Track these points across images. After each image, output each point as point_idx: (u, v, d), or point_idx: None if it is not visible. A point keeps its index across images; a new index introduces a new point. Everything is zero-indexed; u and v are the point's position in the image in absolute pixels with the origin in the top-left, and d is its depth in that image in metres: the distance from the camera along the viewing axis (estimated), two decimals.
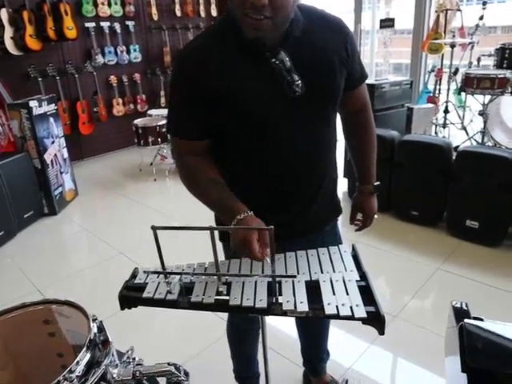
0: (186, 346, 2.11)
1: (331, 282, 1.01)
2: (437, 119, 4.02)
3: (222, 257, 1.33)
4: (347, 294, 0.97)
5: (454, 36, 3.88)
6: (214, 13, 6.14)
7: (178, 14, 5.69)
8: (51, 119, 3.74)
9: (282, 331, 2.14)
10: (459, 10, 4.36)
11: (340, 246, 1.19)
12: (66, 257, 3.15)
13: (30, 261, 3.03)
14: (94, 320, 0.91)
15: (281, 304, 0.95)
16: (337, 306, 0.93)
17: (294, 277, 0.98)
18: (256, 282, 1.01)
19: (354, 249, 1.18)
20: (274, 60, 1.04)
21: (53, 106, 3.78)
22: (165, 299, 1.00)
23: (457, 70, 3.99)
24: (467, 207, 2.91)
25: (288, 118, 1.09)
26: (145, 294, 1.03)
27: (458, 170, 2.92)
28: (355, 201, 1.42)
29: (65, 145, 4.00)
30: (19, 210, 3.43)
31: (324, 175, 1.23)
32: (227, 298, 0.99)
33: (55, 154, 3.79)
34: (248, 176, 1.18)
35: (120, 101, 5.41)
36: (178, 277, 1.04)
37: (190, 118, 1.10)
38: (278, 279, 0.99)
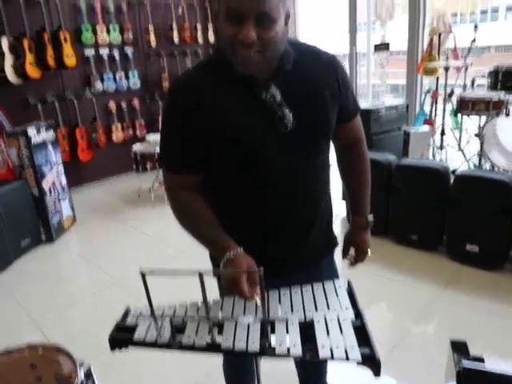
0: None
1: (326, 321, 0.99)
2: (434, 141, 4.03)
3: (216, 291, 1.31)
4: (342, 333, 0.95)
5: (447, 59, 3.92)
6: (211, 39, 6.24)
7: (176, 40, 5.78)
8: (50, 146, 3.76)
9: (279, 369, 2.09)
10: (452, 32, 4.43)
11: (335, 281, 1.17)
12: (63, 285, 3.11)
13: (25, 289, 3.00)
14: (81, 365, 0.88)
15: (274, 348, 0.92)
16: (331, 349, 0.90)
17: (287, 320, 0.95)
18: (249, 323, 0.99)
19: (349, 284, 1.16)
20: (264, 94, 1.04)
21: (51, 133, 3.80)
22: (156, 342, 0.98)
23: (452, 92, 4.02)
24: (466, 231, 2.89)
25: (279, 151, 1.08)
26: (136, 336, 1.01)
27: (455, 193, 2.91)
28: (348, 235, 1.40)
29: (63, 171, 4.00)
30: (16, 237, 3.41)
31: (317, 207, 1.22)
32: (220, 339, 0.97)
33: (53, 181, 3.79)
34: (240, 209, 1.17)
35: (119, 126, 5.45)
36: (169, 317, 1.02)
37: (181, 151, 1.10)
38: (271, 318, 0.98)
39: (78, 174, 5.20)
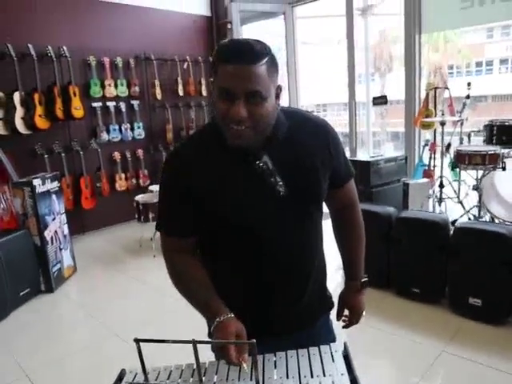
0: None
1: None
2: (433, 192, 4.07)
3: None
4: None
5: (443, 114, 4.04)
6: None
7: (181, 93, 5.99)
8: (54, 196, 3.82)
9: None
10: (447, 88, 4.59)
11: (332, 345, 1.16)
12: (59, 337, 3.06)
13: (21, 342, 2.95)
14: None
15: None
16: None
17: None
18: None
19: (345, 348, 1.16)
20: (257, 163, 1.09)
21: (56, 184, 3.87)
22: None
23: (449, 146, 4.12)
24: (469, 284, 2.86)
25: (272, 217, 1.12)
26: None
27: (456, 245, 2.91)
28: (342, 296, 1.40)
29: (66, 221, 4.04)
30: (15, 287, 3.39)
31: (311, 270, 1.24)
32: None
33: (55, 231, 3.82)
34: (232, 273, 1.20)
35: (123, 176, 5.54)
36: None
37: (176, 216, 1.14)
38: None
39: (80, 222, 5.24)
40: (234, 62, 0.96)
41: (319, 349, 1.14)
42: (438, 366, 2.42)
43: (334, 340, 1.36)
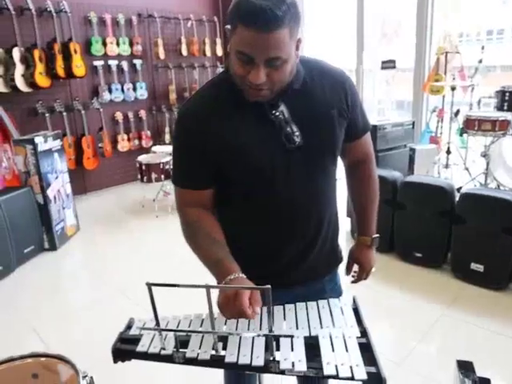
0: None
1: (331, 338, 0.97)
2: (439, 159, 4.03)
3: None
4: (347, 351, 0.93)
5: (454, 79, 3.94)
6: (219, 52, 6.30)
7: (184, 53, 5.84)
8: (56, 155, 3.78)
9: None
10: (458, 52, 4.46)
11: (341, 298, 1.16)
12: (64, 294, 3.10)
13: (26, 298, 2.99)
14: (84, 377, 0.88)
15: (278, 362, 0.91)
16: (336, 366, 0.89)
17: (292, 336, 0.94)
18: (253, 338, 0.98)
19: (354, 301, 1.15)
20: (273, 112, 1.05)
21: (58, 142, 3.83)
22: (159, 354, 0.96)
23: (458, 112, 4.03)
24: (471, 250, 2.87)
25: (287, 167, 1.09)
26: (139, 348, 1.00)
27: (461, 212, 2.90)
28: (352, 252, 1.39)
29: (68, 180, 4.02)
30: (19, 244, 3.41)
31: (322, 224, 1.21)
32: (223, 353, 0.96)
33: (58, 190, 3.80)
34: (244, 223, 1.18)
35: (125, 137, 5.48)
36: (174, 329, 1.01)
37: (190, 170, 1.12)
38: (276, 334, 0.97)
39: (82, 183, 5.23)
40: (255, 28, 0.88)
41: (328, 302, 1.13)
42: (439, 328, 2.46)
43: (340, 294, 1.36)
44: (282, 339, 0.97)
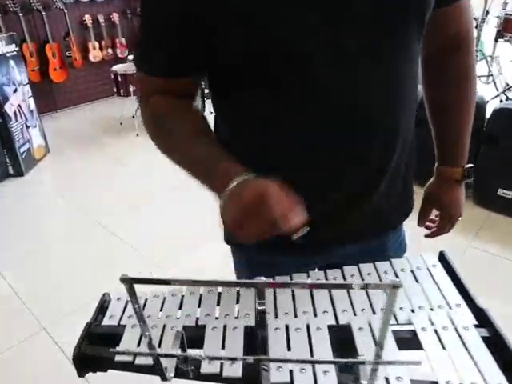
0: None
1: (436, 333, 0.59)
2: None
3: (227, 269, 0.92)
4: (472, 359, 0.55)
5: None
6: None
7: None
8: (12, 62, 3.16)
9: None
10: None
11: (424, 254, 0.77)
12: (34, 227, 2.68)
13: None
14: None
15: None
16: None
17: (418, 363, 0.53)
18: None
19: (444, 259, 0.76)
20: None
21: (13, 47, 3.19)
22: (155, 366, 0.56)
23: (487, 13, 3.43)
24: (501, 175, 2.53)
25: (343, 50, 0.62)
26: (118, 358, 0.59)
27: (493, 130, 2.50)
28: (431, 191, 0.95)
29: (31, 94, 3.43)
30: None
31: (396, 147, 0.74)
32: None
33: (19, 105, 3.23)
34: (271, 143, 0.71)
35: (96, 45, 4.77)
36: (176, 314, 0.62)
37: (166, 44, 0.66)
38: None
39: (51, 99, 4.61)
40: None
41: (408, 261, 0.75)
42: (466, 261, 2.16)
43: (405, 250, 0.97)
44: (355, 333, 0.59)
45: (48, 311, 1.93)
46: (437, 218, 0.97)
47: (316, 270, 0.84)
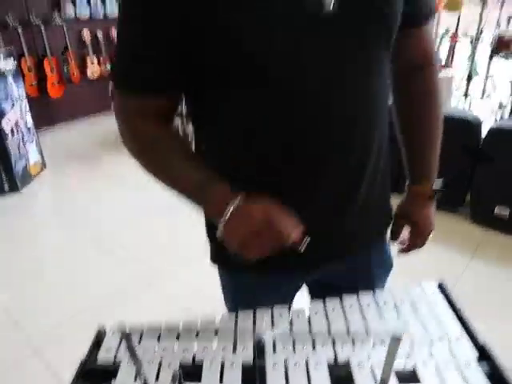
0: None
1: (437, 368, 0.58)
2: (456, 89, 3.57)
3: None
4: None
5: None
6: None
7: None
8: (10, 78, 3.16)
9: None
10: None
11: (423, 284, 0.76)
12: (29, 244, 2.65)
13: None
14: None
15: None
16: None
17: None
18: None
19: (442, 288, 0.76)
20: None
21: (11, 62, 3.19)
22: None
23: (481, 31, 3.47)
24: (497, 192, 2.54)
25: (315, 54, 0.62)
26: None
27: (488, 149, 2.52)
28: (403, 208, 0.94)
29: (28, 109, 3.43)
30: None
31: (369, 157, 0.74)
32: None
33: (16, 121, 3.23)
34: (247, 154, 0.71)
35: (95, 60, 4.79)
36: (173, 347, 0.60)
37: (150, 57, 0.64)
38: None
39: (48, 113, 4.61)
40: None
41: (408, 291, 0.74)
42: (466, 279, 2.16)
43: (391, 267, 0.97)
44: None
45: (41, 329, 1.90)
46: (409, 235, 0.95)
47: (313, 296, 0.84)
